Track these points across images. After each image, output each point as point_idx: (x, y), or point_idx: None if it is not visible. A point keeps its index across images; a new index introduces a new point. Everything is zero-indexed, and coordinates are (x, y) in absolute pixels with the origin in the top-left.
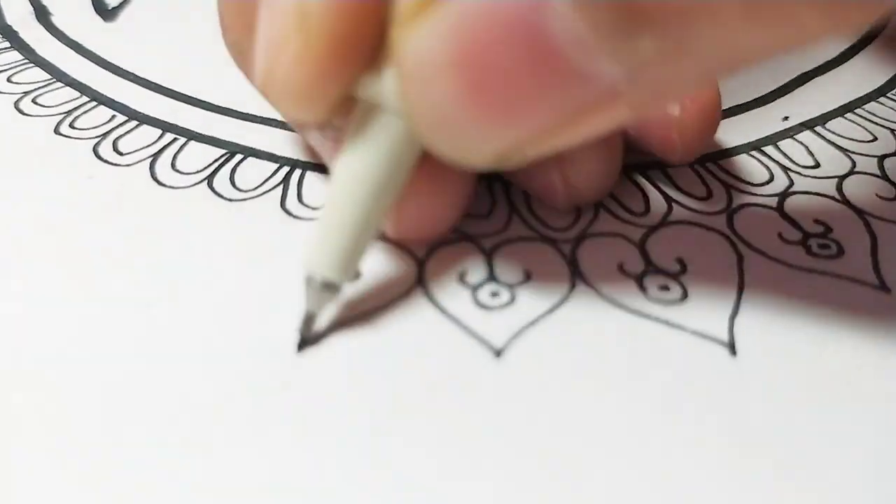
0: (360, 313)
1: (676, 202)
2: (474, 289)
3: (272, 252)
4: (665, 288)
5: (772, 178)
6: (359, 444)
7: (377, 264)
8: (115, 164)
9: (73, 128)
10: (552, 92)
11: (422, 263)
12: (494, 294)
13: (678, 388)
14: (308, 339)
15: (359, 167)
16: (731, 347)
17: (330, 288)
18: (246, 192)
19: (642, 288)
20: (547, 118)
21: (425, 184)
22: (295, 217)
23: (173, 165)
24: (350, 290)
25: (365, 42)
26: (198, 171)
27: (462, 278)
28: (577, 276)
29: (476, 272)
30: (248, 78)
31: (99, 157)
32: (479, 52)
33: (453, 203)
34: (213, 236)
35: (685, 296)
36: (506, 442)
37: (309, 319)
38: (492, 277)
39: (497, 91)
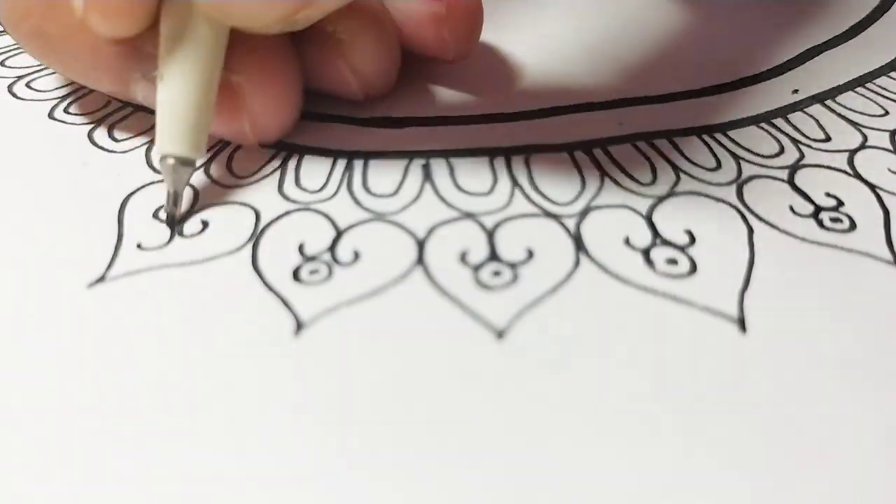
0: (358, 295)
1: (685, 172)
2: (475, 268)
3: (271, 237)
4: (673, 261)
5: (782, 151)
6: (358, 425)
7: (375, 244)
8: (111, 151)
9: (68, 113)
10: None
11: (421, 243)
12: (496, 273)
13: (686, 366)
14: (176, 217)
15: (180, 55)
16: (741, 323)
17: (185, 164)
18: (242, 178)
19: (649, 262)
20: None
21: (261, 84)
22: (293, 201)
23: None
24: (349, 272)
25: None
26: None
27: (463, 258)
28: (581, 251)
29: (477, 251)
30: (53, 59)
31: (94, 143)
32: None
33: (295, 93)
34: (209, 222)
35: (694, 269)
36: (508, 424)
37: (175, 197)
38: (494, 256)
39: None
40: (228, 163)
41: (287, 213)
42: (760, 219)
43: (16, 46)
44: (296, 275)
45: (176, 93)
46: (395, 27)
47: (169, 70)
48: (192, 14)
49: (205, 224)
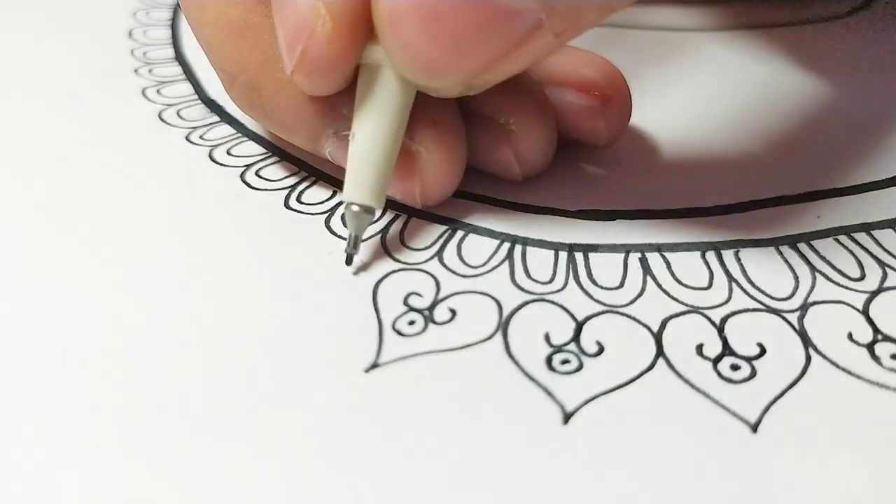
0: (611, 386)
1: (889, 267)
2: (714, 362)
3: (517, 327)
4: (736, 367)
5: None
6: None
7: (614, 336)
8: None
9: (301, 202)
10: (494, 28)
11: (658, 336)
12: (735, 367)
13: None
14: (353, 258)
15: (371, 115)
16: None
17: (367, 212)
18: (476, 268)
19: (874, 357)
20: (494, 49)
21: (436, 153)
22: (528, 292)
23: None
24: (597, 364)
25: (368, 17)
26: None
27: (700, 351)
28: (809, 347)
29: (712, 345)
30: (258, 111)
31: (332, 232)
32: (435, 3)
33: (461, 166)
34: (456, 310)
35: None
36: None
37: (355, 240)
38: (729, 351)
39: (451, 32)
40: (458, 251)
41: (525, 303)
42: None
43: (237, 135)
44: (549, 364)
45: (365, 148)
46: (553, 112)
47: (360, 129)
48: (384, 78)
49: (453, 312)
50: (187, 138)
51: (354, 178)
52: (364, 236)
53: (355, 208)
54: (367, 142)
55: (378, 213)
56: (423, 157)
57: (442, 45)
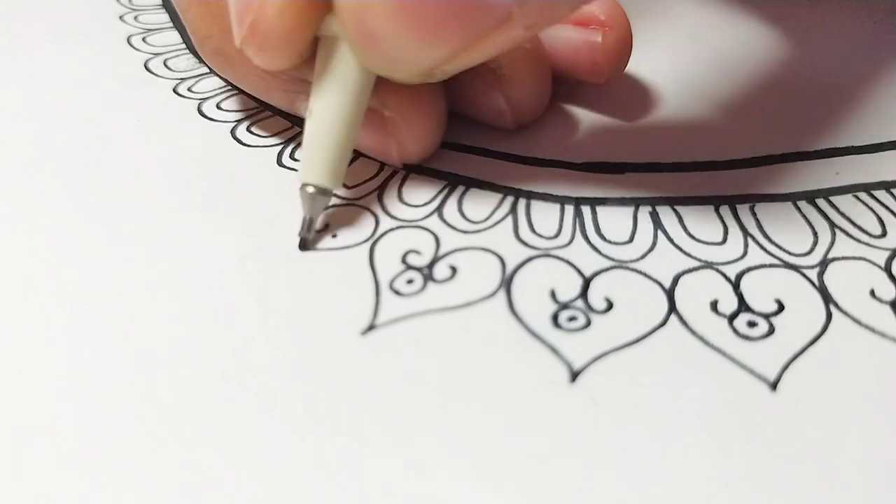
0: (623, 342)
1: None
2: (730, 319)
3: (521, 283)
4: (753, 324)
5: None
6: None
7: (626, 292)
8: (345, 198)
9: (294, 159)
10: (463, 18)
11: (670, 293)
12: (752, 324)
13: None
14: (307, 241)
15: (330, 92)
16: None
17: (323, 193)
18: (477, 223)
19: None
20: (461, 40)
21: (409, 118)
22: (532, 247)
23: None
24: (607, 320)
25: None
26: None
27: (715, 307)
28: (830, 304)
29: (727, 301)
30: (230, 74)
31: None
32: None
33: (439, 124)
34: (457, 268)
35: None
36: (776, 467)
37: (309, 223)
38: (745, 307)
39: (419, 23)
40: (459, 207)
41: (530, 259)
42: None
43: (227, 88)
44: (555, 321)
45: (321, 128)
46: (549, 58)
47: (317, 106)
48: (344, 58)
49: (454, 269)
50: (175, 90)
51: (311, 157)
52: (359, 197)
53: (310, 189)
54: (325, 120)
55: (333, 193)
56: (395, 124)
57: (408, 36)
